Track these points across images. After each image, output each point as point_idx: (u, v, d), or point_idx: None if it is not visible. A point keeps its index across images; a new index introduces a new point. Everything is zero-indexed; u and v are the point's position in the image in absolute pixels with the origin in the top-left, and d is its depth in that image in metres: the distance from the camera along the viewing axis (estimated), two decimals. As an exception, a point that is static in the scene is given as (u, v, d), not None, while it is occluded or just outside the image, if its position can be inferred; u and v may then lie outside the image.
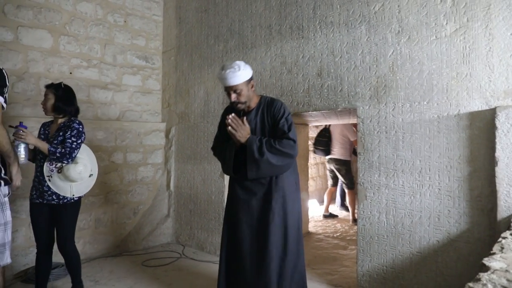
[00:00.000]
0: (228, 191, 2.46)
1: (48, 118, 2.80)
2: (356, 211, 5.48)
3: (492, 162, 2.21)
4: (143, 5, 4.56)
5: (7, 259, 2.06)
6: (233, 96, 2.22)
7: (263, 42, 3.54)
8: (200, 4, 4.26)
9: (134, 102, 4.49)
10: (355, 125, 5.46)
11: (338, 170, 5.42)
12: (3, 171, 2.12)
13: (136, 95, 4.51)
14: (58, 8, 3.77)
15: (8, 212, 2.09)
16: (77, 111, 2.73)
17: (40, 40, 3.63)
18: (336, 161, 5.41)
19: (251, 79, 2.28)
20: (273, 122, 2.26)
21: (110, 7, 4.23)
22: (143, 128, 4.45)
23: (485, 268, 1.17)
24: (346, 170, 5.43)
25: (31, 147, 2.52)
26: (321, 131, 5.54)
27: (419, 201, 2.52)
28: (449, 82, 2.42)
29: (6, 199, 2.10)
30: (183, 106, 4.44)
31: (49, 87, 2.65)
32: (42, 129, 2.72)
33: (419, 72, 2.54)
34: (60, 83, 2.68)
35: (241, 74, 2.18)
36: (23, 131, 2.36)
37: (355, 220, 5.44)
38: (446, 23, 2.44)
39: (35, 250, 2.60)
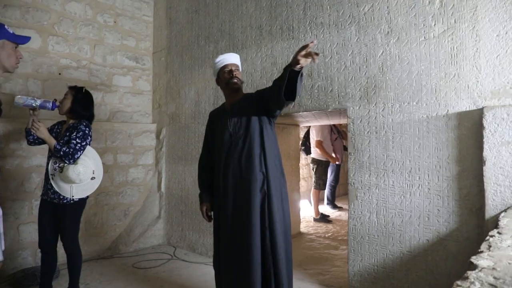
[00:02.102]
0: (214, 189, 2.43)
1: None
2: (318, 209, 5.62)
3: (480, 161, 2.23)
4: (133, 6, 4.52)
5: None
6: (235, 71, 2.32)
7: (254, 43, 3.54)
8: (191, 4, 4.24)
9: (125, 103, 4.45)
10: (333, 125, 5.56)
11: (312, 168, 5.68)
12: None
13: (127, 96, 4.47)
14: (46, 8, 3.72)
15: None
16: (91, 116, 2.77)
17: (28, 40, 3.58)
18: (312, 160, 5.71)
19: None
20: (256, 101, 2.29)
21: (100, 7, 4.19)
22: (133, 129, 4.41)
23: (473, 266, 1.18)
24: (319, 170, 5.55)
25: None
26: (306, 132, 5.83)
27: (409, 201, 2.54)
28: (438, 83, 2.44)
29: None
30: (173, 107, 4.42)
31: (71, 88, 2.73)
32: (56, 126, 2.78)
33: (408, 72, 2.56)
34: (82, 87, 2.75)
35: (239, 60, 2.43)
36: (38, 124, 2.46)
37: (316, 219, 5.50)
38: (434, 24, 2.46)
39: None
